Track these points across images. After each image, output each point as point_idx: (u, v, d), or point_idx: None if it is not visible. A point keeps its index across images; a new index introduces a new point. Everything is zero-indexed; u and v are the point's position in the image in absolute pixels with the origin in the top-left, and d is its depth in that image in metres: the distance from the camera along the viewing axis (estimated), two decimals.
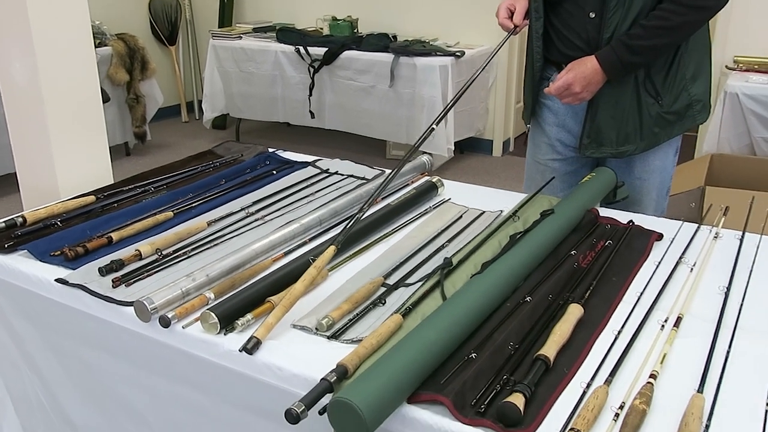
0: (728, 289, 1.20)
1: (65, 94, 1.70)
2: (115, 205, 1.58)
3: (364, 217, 1.45)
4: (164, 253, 1.33)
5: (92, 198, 1.60)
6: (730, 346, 1.03)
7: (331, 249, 1.13)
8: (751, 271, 1.27)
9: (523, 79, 1.87)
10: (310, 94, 4.47)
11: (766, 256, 1.33)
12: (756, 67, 3.55)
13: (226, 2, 5.49)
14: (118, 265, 1.27)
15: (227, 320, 1.07)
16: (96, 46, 4.30)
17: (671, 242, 1.39)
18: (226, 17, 5.50)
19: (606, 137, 1.65)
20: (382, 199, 1.62)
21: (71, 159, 1.73)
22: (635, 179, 1.73)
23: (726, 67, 3.66)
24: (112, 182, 1.77)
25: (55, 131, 1.68)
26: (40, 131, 1.68)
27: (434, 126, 1.38)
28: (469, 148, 4.77)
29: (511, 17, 1.66)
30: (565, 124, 1.76)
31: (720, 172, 3.21)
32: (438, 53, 4.10)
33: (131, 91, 4.59)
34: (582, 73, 1.55)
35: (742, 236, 1.41)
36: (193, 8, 5.79)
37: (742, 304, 1.15)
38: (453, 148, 4.16)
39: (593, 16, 1.57)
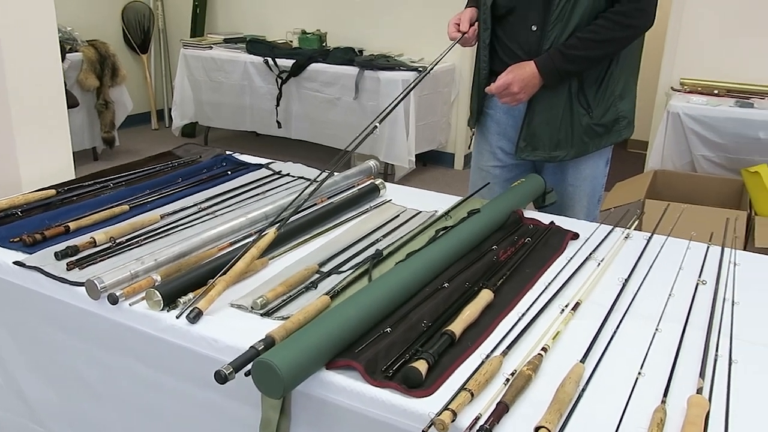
0: (626, 280, 1.34)
1: (30, 95, 1.80)
2: (74, 198, 1.68)
3: (307, 213, 1.58)
4: (117, 241, 1.44)
5: (53, 192, 1.70)
6: (618, 327, 1.16)
7: (272, 232, 1.24)
8: (651, 266, 1.42)
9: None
10: (278, 105, 4.59)
11: (668, 254, 1.48)
12: (699, 88, 3.76)
13: (198, 12, 5.60)
14: (73, 250, 1.37)
15: (170, 298, 1.17)
16: (67, 52, 4.37)
17: (585, 241, 1.53)
18: (198, 27, 5.61)
19: (540, 141, 1.80)
20: (328, 198, 1.74)
21: (34, 155, 1.82)
22: (568, 186, 1.89)
23: (672, 88, 3.87)
24: (74, 178, 1.87)
25: (18, 128, 1.77)
26: (4, 128, 1.77)
27: (377, 124, 1.51)
28: (432, 160, 4.92)
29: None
30: (506, 133, 1.91)
31: (662, 186, 3.41)
32: (401, 68, 4.25)
33: (101, 96, 4.66)
34: (520, 75, 1.70)
35: (650, 237, 1.56)
36: (166, 17, 5.88)
37: (636, 294, 1.29)
38: (414, 159, 4.31)
39: (535, 29, 1.73)
